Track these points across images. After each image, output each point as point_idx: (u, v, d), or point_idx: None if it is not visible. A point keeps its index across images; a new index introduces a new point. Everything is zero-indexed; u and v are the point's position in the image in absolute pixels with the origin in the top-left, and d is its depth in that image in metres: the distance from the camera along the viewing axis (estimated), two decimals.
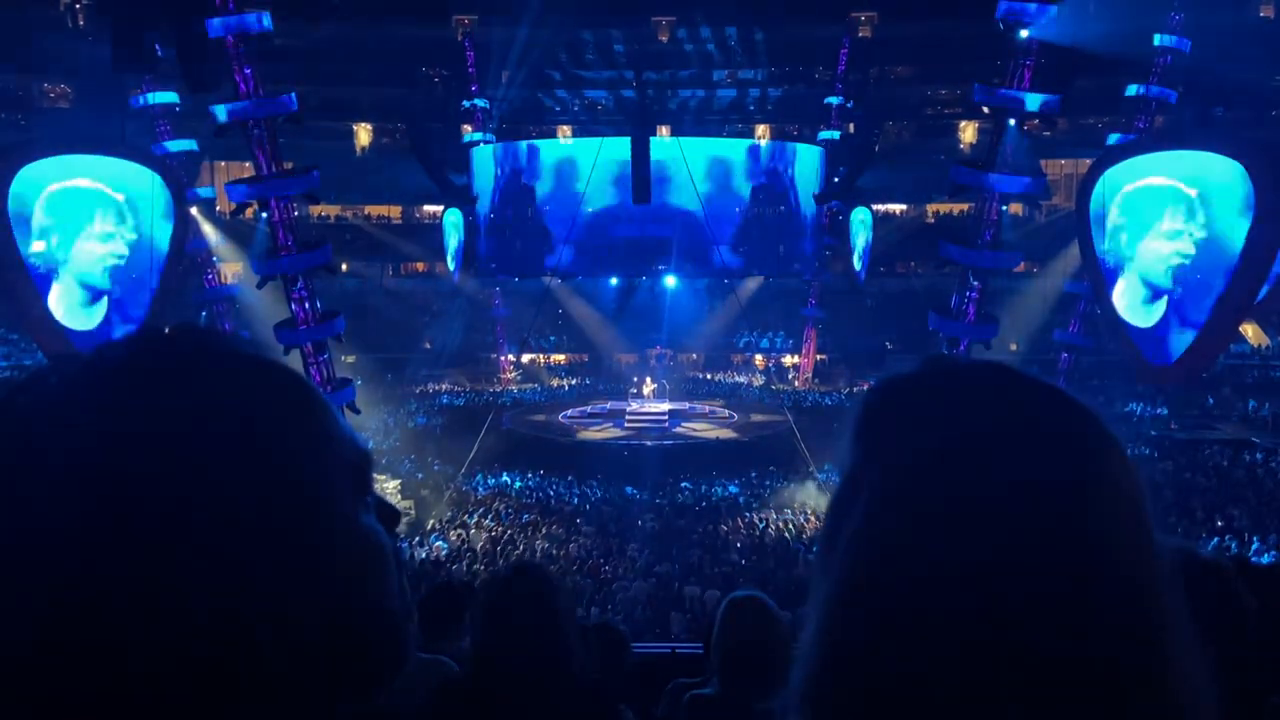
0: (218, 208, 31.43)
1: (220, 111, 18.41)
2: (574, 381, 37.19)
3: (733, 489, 23.62)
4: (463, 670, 2.71)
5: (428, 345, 38.05)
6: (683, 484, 23.65)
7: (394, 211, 43.09)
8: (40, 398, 0.63)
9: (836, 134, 34.97)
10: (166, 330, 0.68)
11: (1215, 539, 17.02)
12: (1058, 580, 0.64)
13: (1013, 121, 19.17)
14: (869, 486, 0.70)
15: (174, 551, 0.59)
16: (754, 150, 37.16)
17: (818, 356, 36.95)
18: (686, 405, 31.35)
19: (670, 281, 36.52)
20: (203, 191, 28.32)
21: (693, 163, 32.60)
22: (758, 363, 38.57)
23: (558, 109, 42.53)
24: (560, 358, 39.66)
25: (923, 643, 0.64)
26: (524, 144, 37.19)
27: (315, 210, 32.20)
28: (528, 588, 2.48)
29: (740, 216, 35.51)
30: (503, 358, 37.29)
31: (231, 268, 29.16)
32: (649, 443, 26.94)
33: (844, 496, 0.72)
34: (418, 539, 18.73)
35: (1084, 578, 0.64)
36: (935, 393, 0.73)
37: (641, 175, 28.56)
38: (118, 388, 0.63)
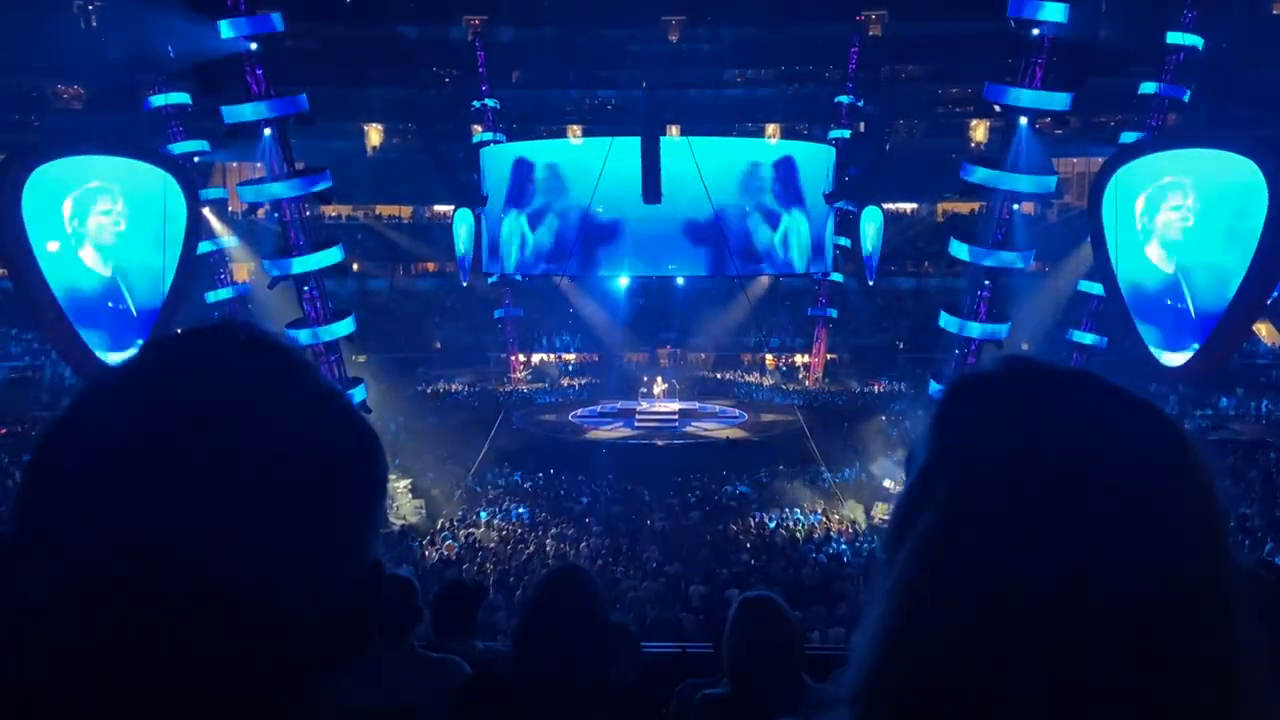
0: (230, 208, 31.58)
1: (232, 112, 18.50)
2: (584, 381, 37.22)
3: (743, 489, 23.59)
4: (498, 663, 2.77)
5: (438, 345, 38.13)
6: (692, 484, 23.65)
7: (404, 211, 43.22)
8: (126, 393, 0.67)
9: (847, 133, 34.89)
10: (241, 336, 0.72)
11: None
12: (1137, 594, 0.63)
13: (1024, 120, 19.10)
14: (946, 485, 0.69)
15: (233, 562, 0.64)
16: (764, 149, 37.09)
17: (828, 356, 36.90)
18: (696, 405, 31.34)
19: (680, 281, 36.51)
20: (214, 192, 28.47)
21: (702, 162, 32.55)
22: (768, 362, 38.53)
23: (569, 109, 42.56)
24: (570, 357, 39.71)
25: (992, 644, 0.63)
26: (534, 144, 37.21)
27: (326, 210, 32.31)
28: (575, 589, 2.56)
29: (749, 215, 35.45)
30: (513, 357, 37.36)
31: (244, 268, 29.29)
32: (659, 442, 26.94)
33: (917, 492, 0.71)
34: (428, 538, 18.78)
35: (1164, 593, 0.64)
36: (1020, 395, 0.72)
37: (652, 175, 28.57)
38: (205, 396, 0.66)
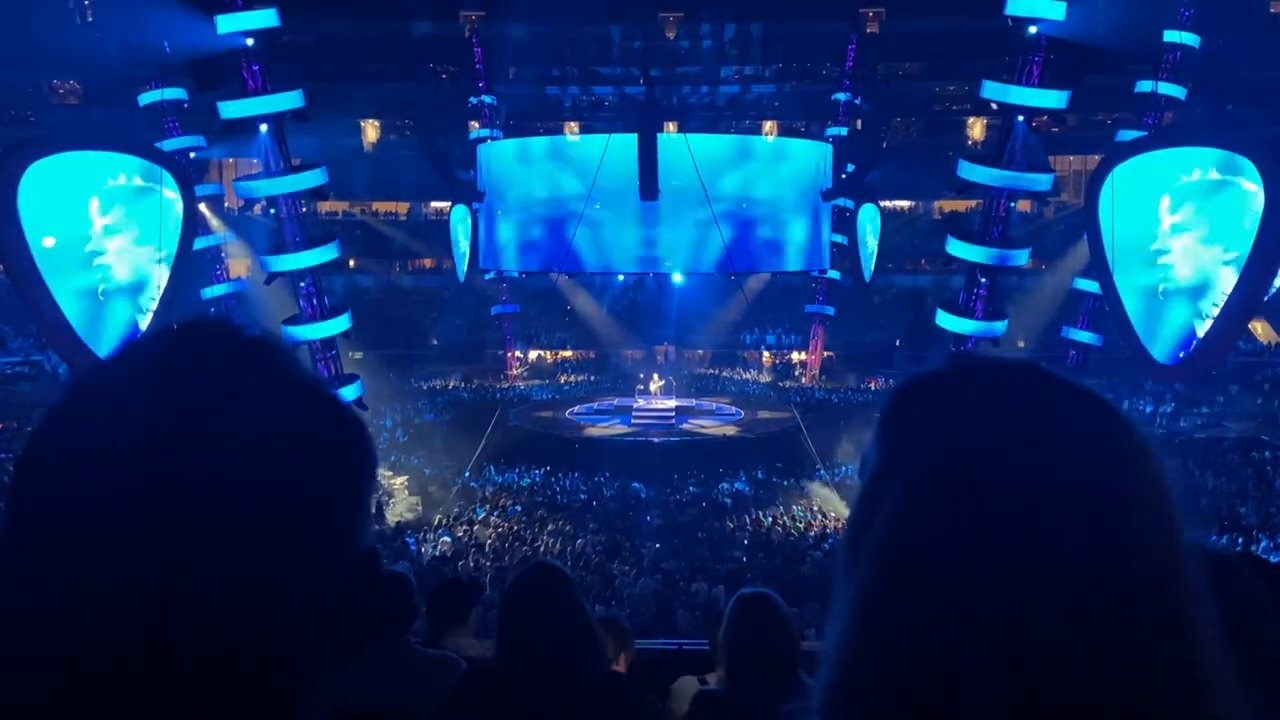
0: (226, 204, 31.52)
1: (228, 108, 18.46)
2: (581, 378, 37.21)
3: (739, 486, 23.61)
4: (487, 662, 2.80)
5: (434, 342, 38.11)
6: (689, 481, 23.65)
7: (401, 208, 43.12)
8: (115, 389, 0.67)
9: (844, 130, 34.88)
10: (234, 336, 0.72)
11: (1223, 537, 16.96)
12: (1088, 584, 0.63)
13: (1021, 118, 19.11)
14: (897, 487, 0.69)
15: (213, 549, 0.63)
16: (761, 146, 37.09)
17: (825, 353, 36.92)
18: (693, 402, 31.36)
19: (677, 278, 36.52)
20: (210, 188, 28.43)
21: (699, 159, 32.57)
22: (765, 360, 38.55)
23: (566, 105, 42.51)
24: (567, 354, 39.71)
25: (953, 645, 0.63)
26: (531, 140, 37.17)
27: (323, 206, 32.24)
28: (548, 583, 2.58)
29: (746, 212, 35.45)
30: (509, 354, 37.34)
31: (240, 264, 29.25)
32: (656, 439, 26.95)
33: (870, 497, 0.71)
34: (424, 535, 18.77)
35: (1114, 581, 0.63)
36: (964, 392, 0.72)
37: (649, 171, 28.57)
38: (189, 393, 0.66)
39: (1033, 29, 18.60)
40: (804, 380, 36.20)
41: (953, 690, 0.62)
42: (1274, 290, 18.90)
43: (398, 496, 22.90)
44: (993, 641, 0.62)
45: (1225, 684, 0.64)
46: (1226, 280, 17.97)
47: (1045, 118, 20.21)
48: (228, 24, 17.87)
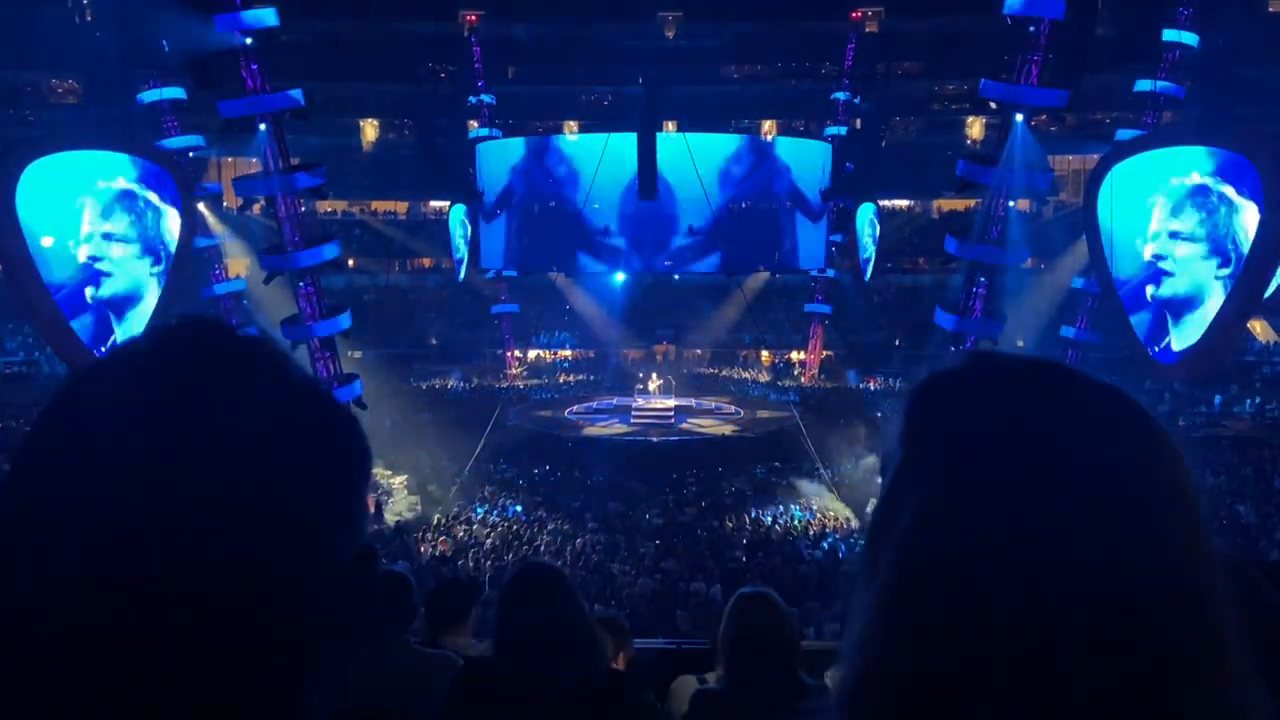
0: (225, 203, 31.51)
1: (228, 107, 18.45)
2: (580, 377, 37.22)
3: (739, 485, 23.61)
4: (484, 661, 2.80)
5: (434, 341, 38.12)
6: (688, 480, 23.65)
7: (400, 207, 43.13)
8: (107, 392, 0.67)
9: (844, 130, 34.88)
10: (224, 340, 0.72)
11: (1222, 537, 16.97)
12: (1111, 584, 0.63)
13: (1020, 117, 19.11)
14: (920, 485, 0.68)
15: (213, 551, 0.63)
16: (760, 145, 37.09)
17: (824, 353, 36.92)
18: (692, 401, 31.37)
19: (676, 278, 36.52)
20: (209, 187, 28.40)
21: (699, 158, 32.59)
22: (764, 359, 38.56)
23: (565, 105, 42.51)
24: (566, 353, 39.72)
25: (974, 645, 0.62)
26: (530, 140, 37.16)
27: (322, 206, 32.27)
28: (542, 582, 2.59)
29: (745, 211, 35.45)
30: (509, 353, 37.34)
31: (240, 263, 29.23)
32: (655, 439, 26.96)
33: (893, 494, 0.70)
34: (424, 534, 18.78)
35: (1136, 581, 0.63)
36: (987, 390, 0.71)
37: (648, 171, 28.55)
38: (182, 393, 0.66)
39: (1032, 28, 18.60)
40: (803, 380, 36.22)
41: (973, 690, 0.62)
42: (1273, 289, 18.85)
43: (397, 496, 22.92)
44: (1014, 642, 0.62)
45: (1246, 685, 0.64)
46: (1224, 282, 17.96)
47: (1044, 117, 20.20)
48: (227, 23, 17.86)
